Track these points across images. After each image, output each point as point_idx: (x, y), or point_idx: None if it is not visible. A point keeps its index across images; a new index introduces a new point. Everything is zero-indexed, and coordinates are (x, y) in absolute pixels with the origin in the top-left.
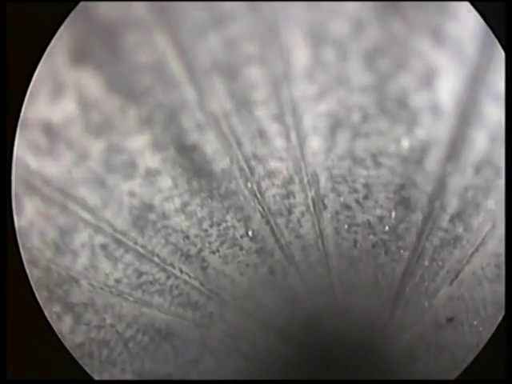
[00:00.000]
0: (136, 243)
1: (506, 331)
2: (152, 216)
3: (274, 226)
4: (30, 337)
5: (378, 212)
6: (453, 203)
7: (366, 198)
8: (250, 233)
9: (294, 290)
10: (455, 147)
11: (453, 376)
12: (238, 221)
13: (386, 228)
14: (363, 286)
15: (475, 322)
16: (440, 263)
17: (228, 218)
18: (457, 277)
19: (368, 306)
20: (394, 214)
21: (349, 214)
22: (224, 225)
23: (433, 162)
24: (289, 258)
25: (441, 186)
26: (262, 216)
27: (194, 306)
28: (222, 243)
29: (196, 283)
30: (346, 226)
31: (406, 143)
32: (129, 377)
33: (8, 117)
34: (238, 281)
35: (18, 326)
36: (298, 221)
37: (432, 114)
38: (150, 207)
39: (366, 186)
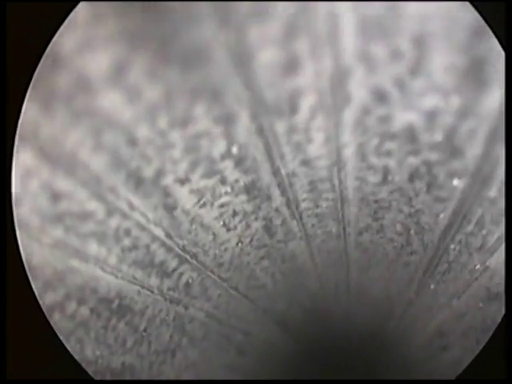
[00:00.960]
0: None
1: (505, 331)
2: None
3: (270, 138)
4: (30, 337)
5: (430, 101)
6: None
7: (415, 70)
8: (234, 149)
9: (297, 260)
10: None
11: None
12: (215, 121)
13: (437, 136)
14: (387, 251)
15: None
16: None
17: (197, 108)
18: None
19: (391, 281)
20: (456, 101)
21: (383, 110)
22: (192, 126)
23: None
24: (291, 205)
25: None
26: (253, 116)
27: (160, 269)
28: (192, 166)
29: (159, 233)
30: (376, 141)
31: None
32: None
33: (8, 117)
34: (222, 239)
35: (18, 325)
36: (306, 129)
37: None
38: None
39: (416, 40)
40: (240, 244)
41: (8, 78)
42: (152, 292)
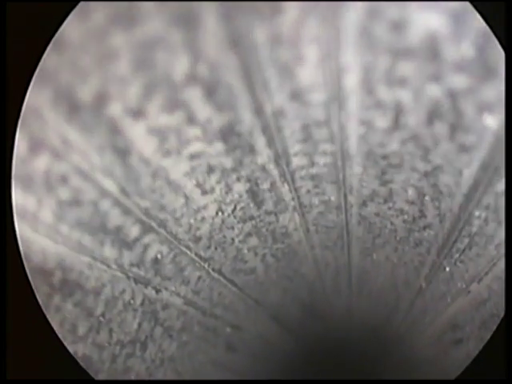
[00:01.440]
0: None
1: (505, 331)
2: None
3: (247, 52)
4: (30, 337)
5: None
6: None
7: None
8: (200, 66)
9: (290, 239)
10: None
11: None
12: (171, 20)
13: (465, 48)
14: (395, 226)
15: None
16: None
17: None
18: None
19: (398, 266)
20: None
21: (395, 11)
22: (139, 25)
23: None
24: (280, 161)
25: None
26: (222, 14)
27: (116, 236)
28: (146, 91)
29: (110, 186)
30: (387, 61)
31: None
32: None
33: (8, 116)
34: (197, 204)
35: (18, 325)
36: (293, 39)
37: None
38: None
39: None
40: (220, 213)
41: (8, 78)
42: (108, 266)
